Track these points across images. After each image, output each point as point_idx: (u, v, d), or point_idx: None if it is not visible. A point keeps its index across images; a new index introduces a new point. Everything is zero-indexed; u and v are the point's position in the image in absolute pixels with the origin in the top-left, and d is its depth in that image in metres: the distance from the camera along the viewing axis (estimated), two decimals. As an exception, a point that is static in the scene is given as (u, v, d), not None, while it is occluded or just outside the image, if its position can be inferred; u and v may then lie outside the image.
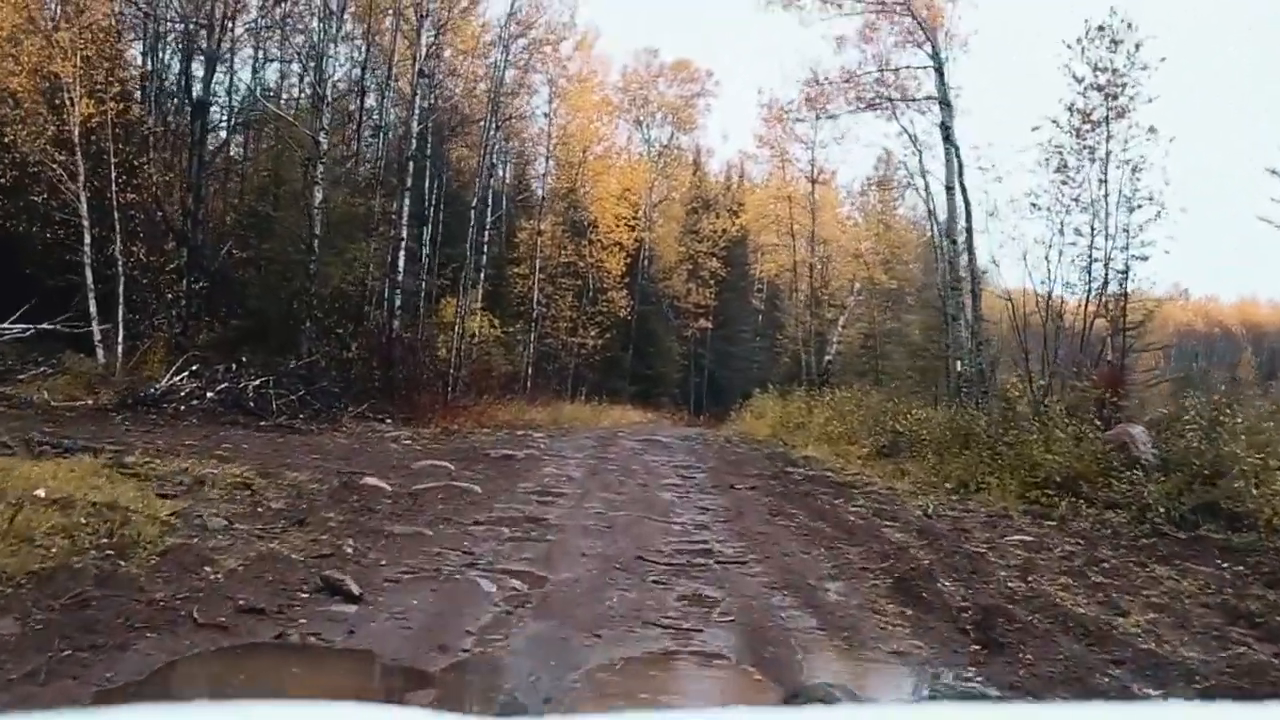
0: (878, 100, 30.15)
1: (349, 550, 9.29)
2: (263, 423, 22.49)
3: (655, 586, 8.90)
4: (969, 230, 25.47)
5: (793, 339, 54.46)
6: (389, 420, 26.49)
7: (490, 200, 42.08)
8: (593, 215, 52.27)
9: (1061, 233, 22.56)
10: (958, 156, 26.13)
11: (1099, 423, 17.88)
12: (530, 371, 44.89)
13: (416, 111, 31.81)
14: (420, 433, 24.43)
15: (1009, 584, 9.40)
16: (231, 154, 37.77)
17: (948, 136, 27.13)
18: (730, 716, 2.80)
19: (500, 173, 51.67)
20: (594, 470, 18.98)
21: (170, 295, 29.20)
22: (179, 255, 29.96)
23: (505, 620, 7.49)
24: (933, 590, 8.91)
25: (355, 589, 7.69)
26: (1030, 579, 9.65)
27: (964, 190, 25.81)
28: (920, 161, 30.96)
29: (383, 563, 9.01)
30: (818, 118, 40.12)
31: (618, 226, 52.78)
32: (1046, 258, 22.65)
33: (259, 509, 11.05)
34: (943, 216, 30.60)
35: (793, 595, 8.82)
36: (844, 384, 39.90)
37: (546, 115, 48.88)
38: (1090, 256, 22.30)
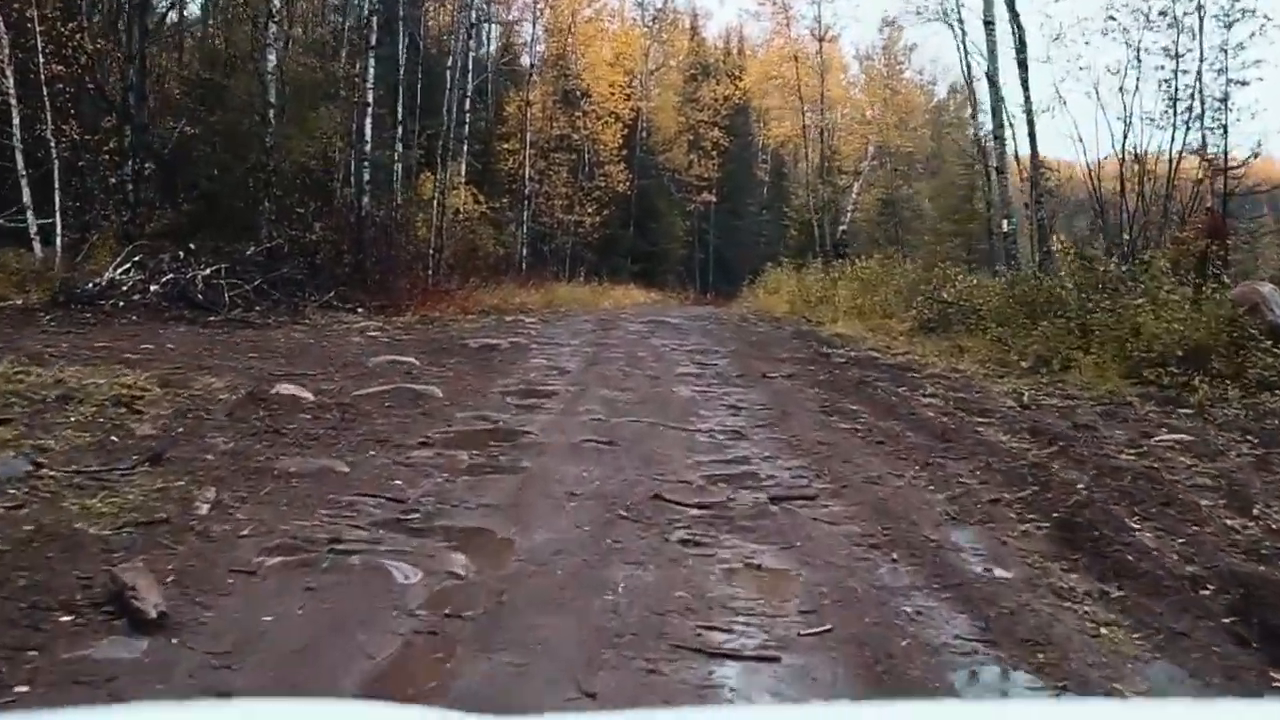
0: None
1: (201, 509, 5.95)
2: (212, 317, 19.61)
3: (687, 554, 5.61)
4: (1023, 61, 21.77)
5: (803, 210, 51.47)
6: (360, 309, 23.41)
7: (472, 67, 38.35)
8: (585, 84, 48.86)
9: (1139, 58, 18.99)
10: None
11: (1204, 281, 14.60)
12: (524, 252, 41.76)
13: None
14: (393, 322, 21.42)
15: (1233, 525, 6.09)
16: (184, 17, 33.71)
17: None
18: (737, 714, 2.61)
19: (484, 40, 48.00)
20: (592, 359, 15.72)
21: (114, 179, 25.84)
22: (121, 134, 26.47)
23: (422, 659, 4.14)
24: (1129, 545, 5.60)
25: (153, 605, 4.28)
26: (1256, 512, 6.34)
27: (1015, 15, 22.09)
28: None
29: (242, 533, 5.63)
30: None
31: (612, 96, 49.44)
32: (1121, 88, 19.15)
33: (115, 438, 7.73)
34: (974, 60, 27.18)
35: (910, 564, 5.49)
36: (862, 254, 36.69)
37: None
38: (1177, 84, 18.76)
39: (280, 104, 25.73)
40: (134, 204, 26.18)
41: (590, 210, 47.44)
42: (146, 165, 26.93)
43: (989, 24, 23.78)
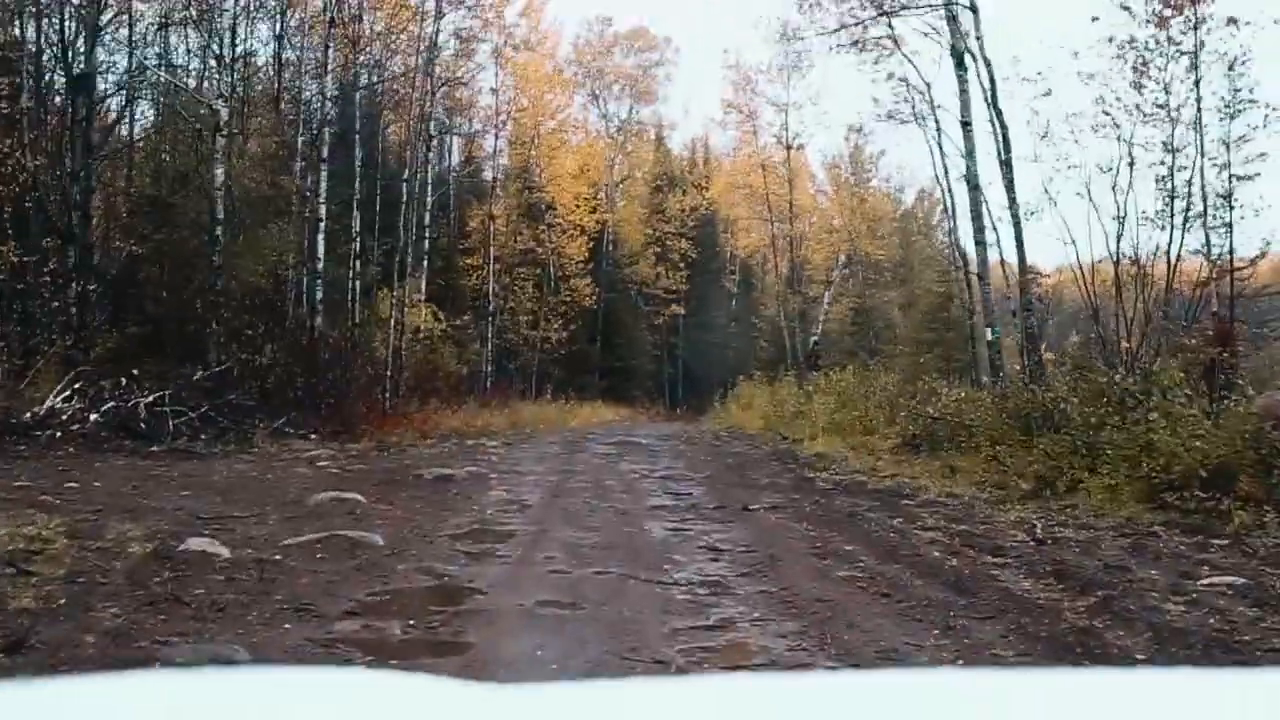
0: (878, 17, 25.61)
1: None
2: (154, 447, 18.38)
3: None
4: (1008, 161, 20.74)
5: (773, 320, 50.62)
6: (313, 435, 22.21)
7: (431, 180, 37.32)
8: (550, 197, 47.94)
9: (1132, 154, 18.00)
10: (989, 71, 21.45)
11: (1213, 392, 13.49)
12: (489, 370, 40.71)
13: (330, 68, 27.02)
14: (346, 450, 20.21)
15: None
16: (129, 134, 32.45)
17: (963, 58, 22.58)
18: (739, 682, 2.51)
19: (445, 153, 47.12)
20: (556, 490, 14.45)
21: (57, 302, 24.64)
22: (64, 254, 25.29)
23: None
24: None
25: None
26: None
27: (998, 113, 21.10)
28: (929, 95, 26.41)
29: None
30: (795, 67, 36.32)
31: (578, 208, 48.62)
32: (1115, 186, 18.14)
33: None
34: (950, 163, 26.29)
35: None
36: (835, 365, 35.70)
37: (494, 90, 44.27)
38: (1172, 181, 17.75)
39: (229, 221, 24.68)
40: (78, 328, 25.04)
41: (556, 326, 46.47)
42: (92, 287, 25.78)
43: (966, 125, 22.86)
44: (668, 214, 56.79)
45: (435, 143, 37.67)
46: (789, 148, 46.64)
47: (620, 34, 58.60)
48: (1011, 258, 22.47)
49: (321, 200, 26.05)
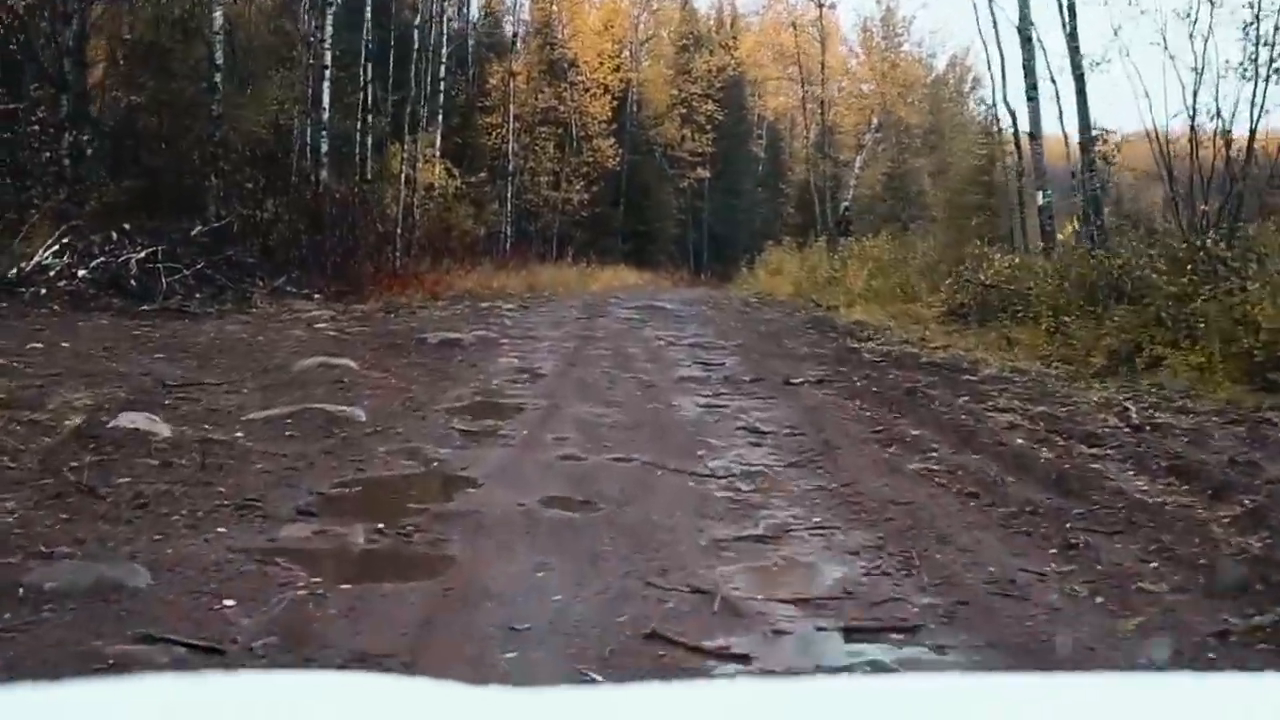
0: None
1: None
2: (144, 306, 17.12)
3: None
4: (1071, 6, 18.89)
5: (800, 186, 48.96)
6: (317, 295, 20.87)
7: (447, 30, 35.40)
8: (572, 54, 45.91)
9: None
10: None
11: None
12: (509, 231, 38.96)
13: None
14: (350, 311, 18.98)
15: None
16: None
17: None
18: (743, 687, 2.59)
19: (464, 6, 45.24)
20: (572, 359, 13.04)
21: (49, 154, 23.18)
22: (59, 103, 23.75)
23: None
24: None
25: None
26: None
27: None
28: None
29: None
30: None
31: (601, 66, 46.43)
32: (1193, 34, 16.37)
33: None
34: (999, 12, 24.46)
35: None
36: (868, 232, 34.21)
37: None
38: (1258, 26, 15.97)
39: (229, 69, 23.11)
40: (72, 180, 23.67)
41: (578, 187, 44.64)
42: (86, 138, 24.32)
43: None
44: (694, 74, 54.32)
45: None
46: (821, 5, 44.80)
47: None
48: (1069, 117, 20.70)
49: (326, 46, 24.23)
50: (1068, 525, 5.46)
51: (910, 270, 22.25)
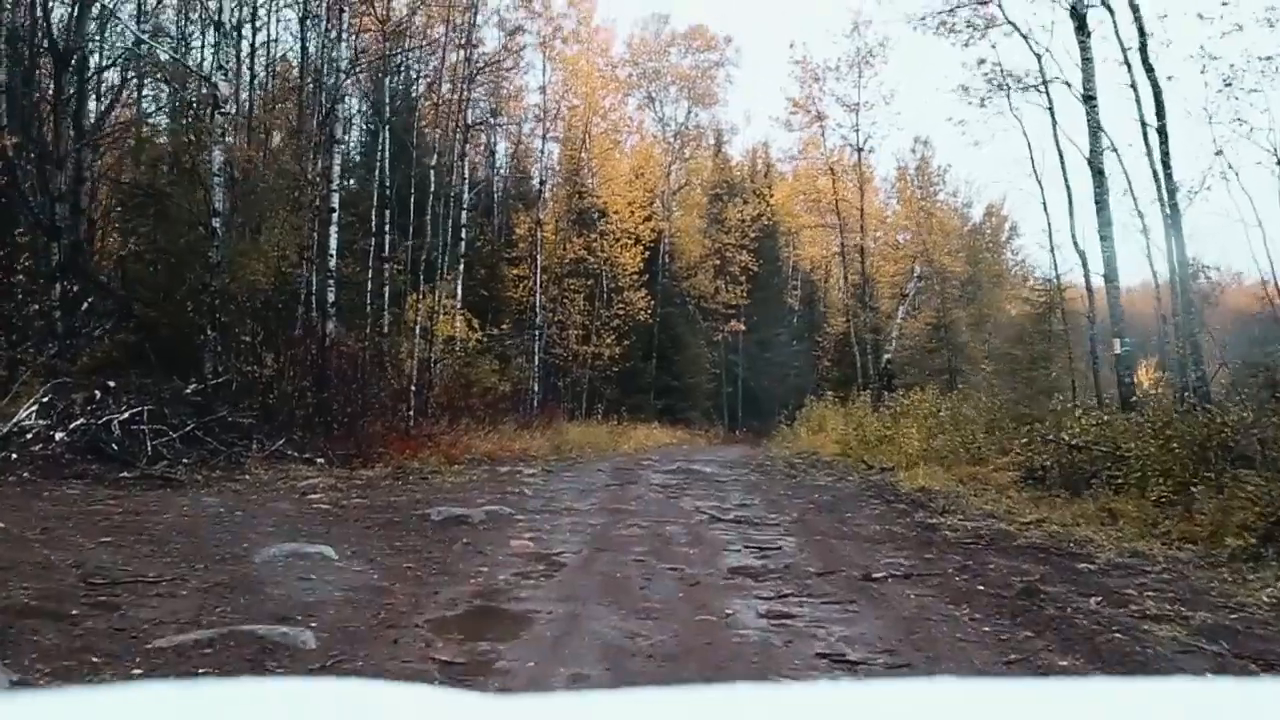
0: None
1: None
2: (125, 473, 15.24)
3: None
4: (1162, 130, 16.96)
5: (836, 338, 47.65)
6: (319, 459, 19.00)
7: (468, 175, 33.83)
8: (602, 202, 44.44)
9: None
10: (1137, 19, 17.62)
11: None
12: (536, 388, 37.10)
13: (345, 35, 23.49)
14: (355, 477, 17.25)
15: None
16: (127, 117, 28.79)
17: (1085, 19, 19.01)
18: (741, 692, 2.12)
19: (491, 155, 43.94)
20: (600, 540, 10.93)
21: (38, 306, 21.48)
22: (51, 251, 22.10)
23: None
24: None
25: None
26: None
27: (1149, 70, 17.28)
28: (1041, 66, 22.53)
29: None
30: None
31: (632, 215, 45.10)
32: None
33: None
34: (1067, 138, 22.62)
35: None
36: (912, 385, 32.46)
37: (541, 88, 41.06)
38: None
39: (229, 214, 21.42)
40: (62, 335, 21.99)
41: (609, 341, 43.07)
42: (78, 288, 22.69)
43: (1090, 98, 19.22)
44: (727, 224, 53.38)
45: (469, 132, 33.83)
46: (859, 149, 43.52)
47: (678, 33, 54.83)
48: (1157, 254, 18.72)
49: (334, 187, 22.46)
50: None
51: (972, 428, 20.10)
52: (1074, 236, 23.26)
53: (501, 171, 44.59)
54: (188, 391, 19.64)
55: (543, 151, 43.29)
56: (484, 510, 12.60)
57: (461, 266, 31.72)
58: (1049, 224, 27.87)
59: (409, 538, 10.59)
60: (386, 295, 26.44)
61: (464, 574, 8.62)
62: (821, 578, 8.67)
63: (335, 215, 22.30)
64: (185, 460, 17.08)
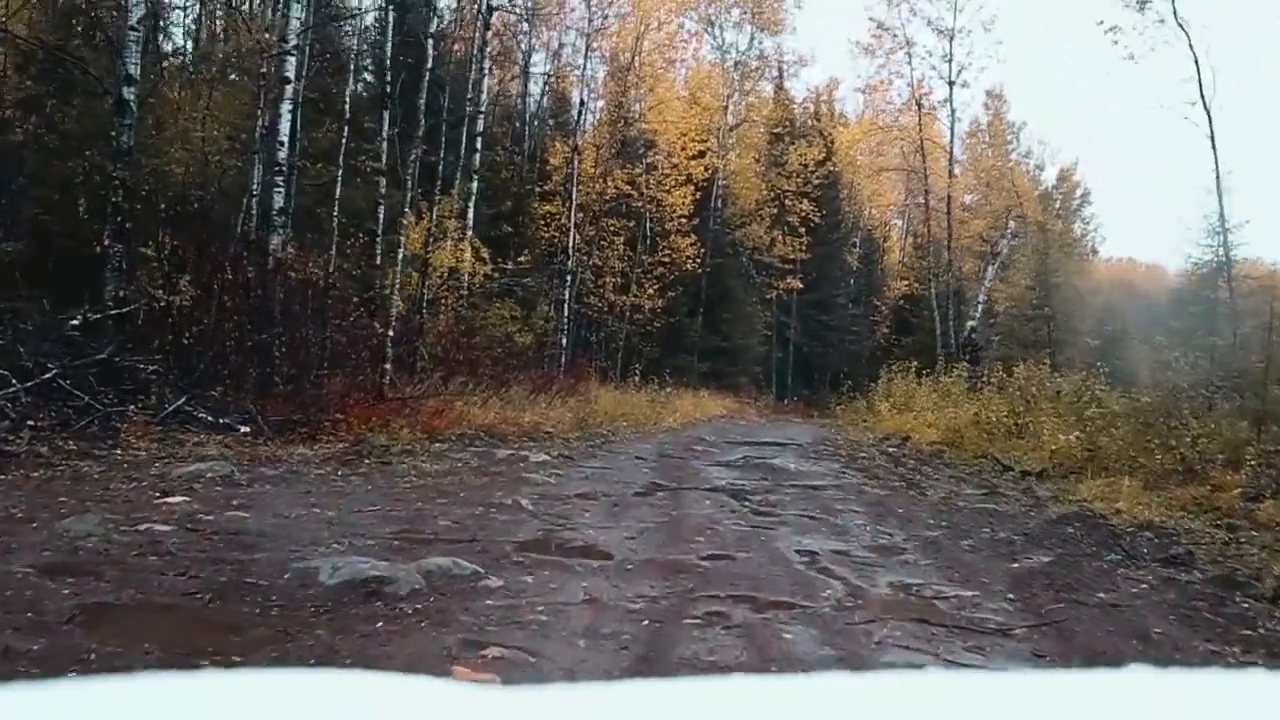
0: None
1: None
2: None
3: None
4: None
5: (895, 304, 46.64)
6: (246, 426, 13.49)
7: (487, 68, 27.68)
8: (651, 130, 38.45)
9: None
10: None
11: None
12: (565, 342, 31.72)
13: None
14: (282, 457, 12.05)
15: None
16: None
17: None
18: (738, 684, 2.12)
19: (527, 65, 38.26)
20: (640, 640, 5.05)
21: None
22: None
23: None
24: None
25: None
26: None
27: None
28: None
29: None
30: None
31: (684, 149, 38.96)
32: None
33: None
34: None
35: None
36: (1006, 359, 27.08)
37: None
38: None
39: (149, 82, 15.72)
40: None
41: (650, 292, 37.39)
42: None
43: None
44: (788, 168, 47.24)
45: (489, 17, 27.31)
46: (951, 84, 37.50)
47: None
48: None
49: (289, 47, 16.27)
50: None
51: (1192, 431, 13.88)
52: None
53: (530, 96, 38.82)
54: (75, 324, 14.19)
55: (584, 64, 37.41)
56: (427, 567, 6.56)
57: (475, 184, 25.57)
58: (1216, 164, 21.44)
59: (231, 642, 4.82)
60: (381, 217, 20.48)
61: None
62: None
63: (289, 88, 16.16)
64: (30, 423, 11.81)
